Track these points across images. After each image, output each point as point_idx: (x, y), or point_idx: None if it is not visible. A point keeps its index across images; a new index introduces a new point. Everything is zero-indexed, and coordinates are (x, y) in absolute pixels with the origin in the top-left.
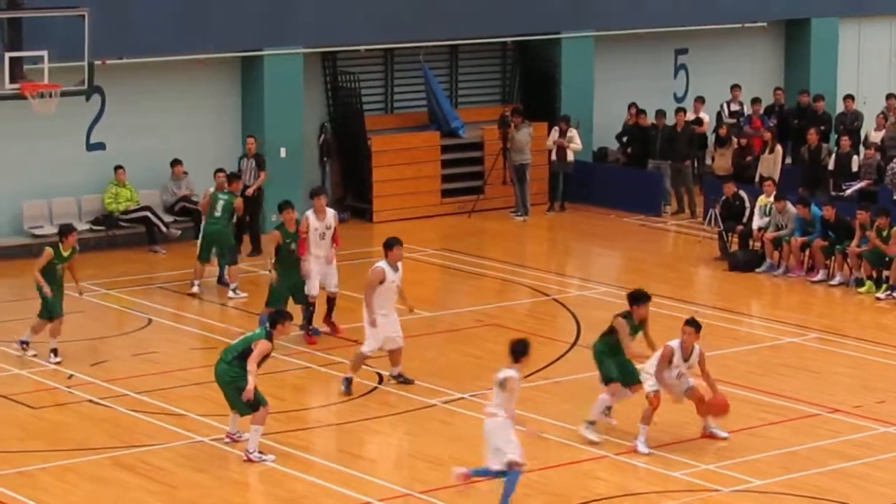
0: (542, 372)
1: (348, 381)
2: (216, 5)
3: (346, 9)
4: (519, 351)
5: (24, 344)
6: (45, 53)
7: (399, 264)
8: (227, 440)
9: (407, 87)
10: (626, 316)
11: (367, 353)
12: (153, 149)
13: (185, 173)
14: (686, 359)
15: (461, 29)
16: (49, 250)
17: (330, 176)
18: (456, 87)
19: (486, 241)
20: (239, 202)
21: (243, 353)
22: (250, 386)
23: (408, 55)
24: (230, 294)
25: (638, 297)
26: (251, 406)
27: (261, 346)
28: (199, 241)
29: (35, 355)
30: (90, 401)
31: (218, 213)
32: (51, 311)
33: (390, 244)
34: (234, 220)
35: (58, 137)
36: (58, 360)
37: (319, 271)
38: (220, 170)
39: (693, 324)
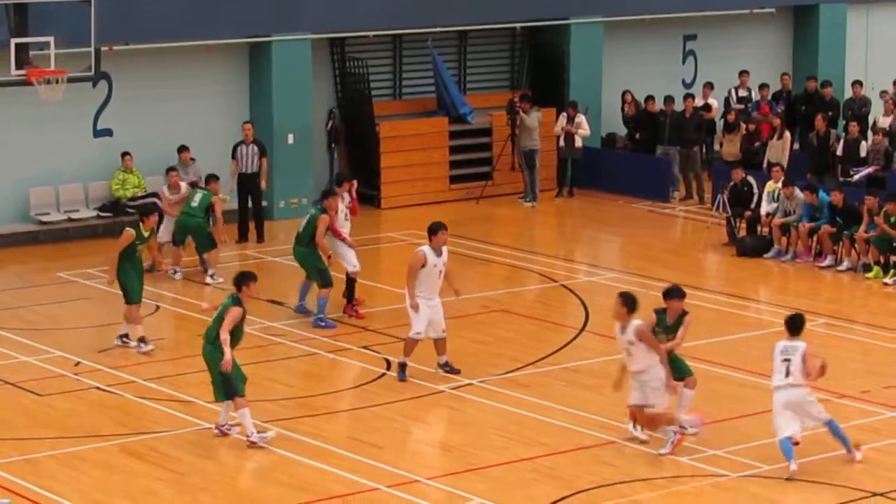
0: (550, 358)
1: (402, 367)
2: None
3: None
4: (800, 325)
5: (125, 337)
6: (51, 39)
7: (444, 249)
8: (217, 433)
9: (415, 73)
10: (661, 312)
11: (415, 337)
12: (160, 135)
13: (193, 159)
14: (622, 331)
15: (470, 15)
16: (130, 231)
17: (338, 162)
18: (464, 73)
19: (494, 227)
20: (216, 199)
21: (220, 325)
22: (227, 357)
23: (416, 41)
24: (208, 279)
25: (666, 293)
26: (227, 392)
27: (231, 314)
28: (172, 231)
29: (148, 351)
30: (98, 388)
31: (195, 205)
32: (130, 296)
33: (434, 229)
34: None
35: (64, 124)
36: (149, 349)
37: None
38: (172, 168)
39: (621, 298)
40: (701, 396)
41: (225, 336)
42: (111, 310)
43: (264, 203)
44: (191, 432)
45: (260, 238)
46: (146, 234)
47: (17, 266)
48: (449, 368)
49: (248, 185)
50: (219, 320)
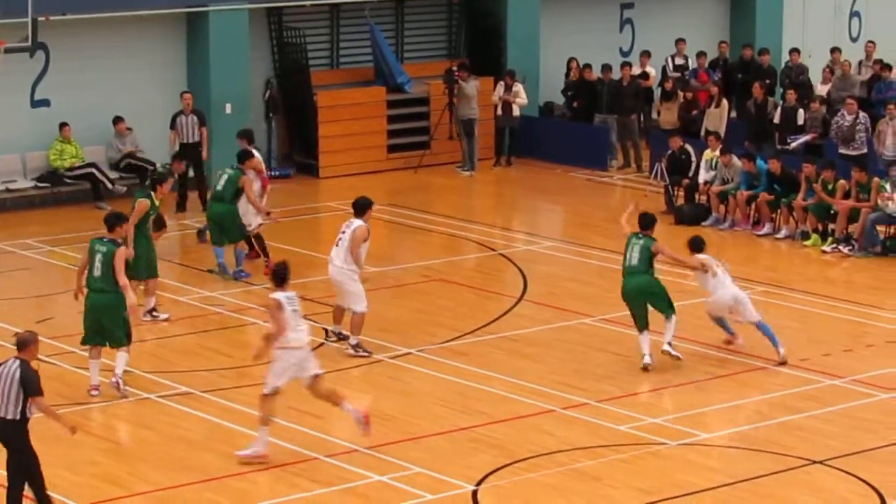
0: (488, 327)
1: (357, 345)
2: None
3: None
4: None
5: (153, 312)
6: None
7: None
8: (116, 385)
9: (353, 43)
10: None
11: (364, 311)
12: (98, 105)
13: (129, 129)
14: None
15: None
16: (145, 201)
17: (276, 132)
18: (402, 42)
19: (432, 197)
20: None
21: (113, 273)
22: (134, 300)
23: (353, 10)
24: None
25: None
26: (129, 335)
27: (121, 256)
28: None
29: (168, 318)
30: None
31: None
32: (151, 270)
33: (368, 204)
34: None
35: (2, 94)
36: (165, 316)
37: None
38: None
39: None
40: (638, 364)
41: (125, 281)
42: (49, 280)
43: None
44: (130, 402)
45: (205, 207)
46: (157, 203)
47: None
48: (342, 336)
49: (188, 154)
50: (109, 266)
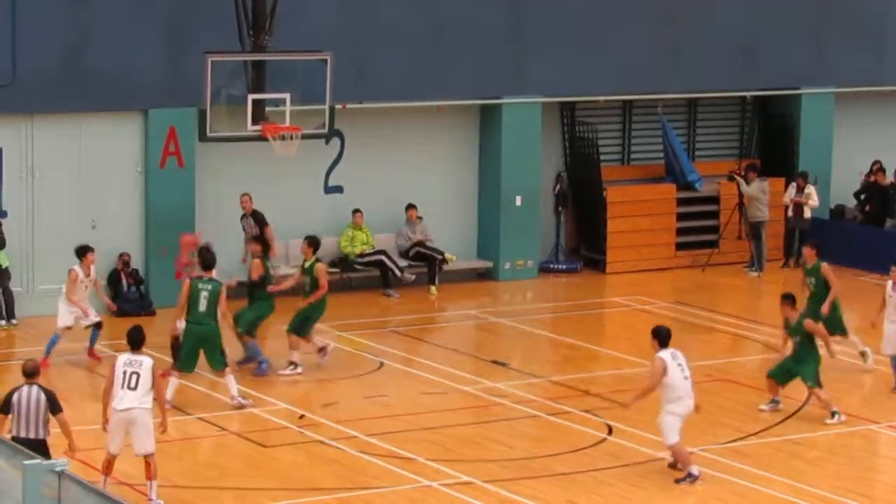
0: (772, 429)
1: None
2: (456, 53)
3: (585, 60)
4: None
5: None
6: (287, 96)
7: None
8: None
9: (644, 139)
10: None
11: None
12: (390, 193)
13: (420, 218)
14: None
15: (701, 82)
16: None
17: (564, 225)
18: (693, 140)
19: (719, 296)
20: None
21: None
22: None
23: (646, 107)
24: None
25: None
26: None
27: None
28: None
29: None
30: (320, 441)
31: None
32: None
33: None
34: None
35: (297, 179)
36: None
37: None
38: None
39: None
40: None
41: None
42: (336, 364)
43: (488, 264)
44: (411, 489)
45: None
46: None
47: None
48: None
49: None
50: (216, 303)
